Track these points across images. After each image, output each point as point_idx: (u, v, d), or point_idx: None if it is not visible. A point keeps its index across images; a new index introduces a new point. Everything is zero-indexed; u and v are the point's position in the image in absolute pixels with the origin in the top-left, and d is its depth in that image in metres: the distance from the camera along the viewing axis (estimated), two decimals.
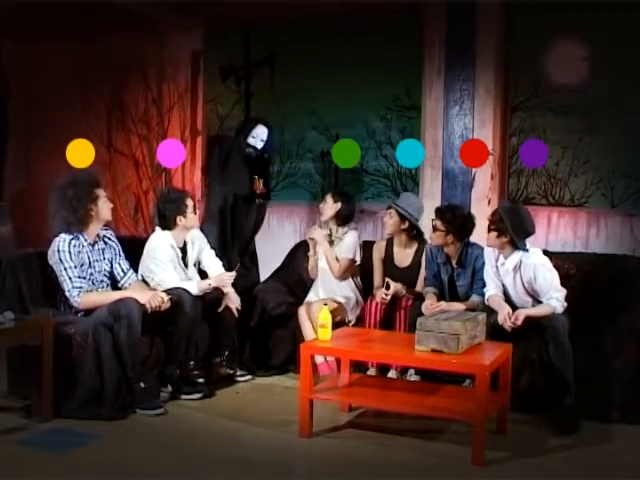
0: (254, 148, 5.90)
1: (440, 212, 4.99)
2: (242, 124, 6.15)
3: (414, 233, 5.31)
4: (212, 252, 5.38)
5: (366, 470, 3.83)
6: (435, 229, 4.96)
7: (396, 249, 5.36)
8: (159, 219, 5.13)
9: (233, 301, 5.11)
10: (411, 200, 5.37)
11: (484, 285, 4.82)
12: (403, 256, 5.34)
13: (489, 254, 4.77)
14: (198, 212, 5.27)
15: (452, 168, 5.90)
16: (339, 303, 5.30)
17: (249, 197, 5.90)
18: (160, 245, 5.04)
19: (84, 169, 4.98)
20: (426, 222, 5.24)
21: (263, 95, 6.87)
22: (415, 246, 5.32)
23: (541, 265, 4.58)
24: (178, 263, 5.09)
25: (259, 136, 5.92)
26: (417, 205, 5.34)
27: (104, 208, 4.75)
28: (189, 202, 5.12)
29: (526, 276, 4.61)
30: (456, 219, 4.92)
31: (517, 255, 4.62)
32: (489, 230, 4.65)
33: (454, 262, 5.02)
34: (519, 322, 4.47)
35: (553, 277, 4.58)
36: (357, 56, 6.41)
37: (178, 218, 5.06)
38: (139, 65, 7.29)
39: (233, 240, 5.90)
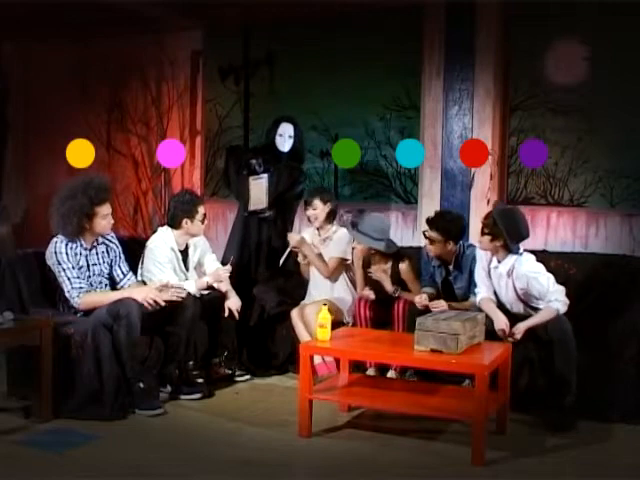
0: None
1: (433, 222, 4.87)
2: (269, 127, 5.94)
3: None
4: (214, 256, 5.37)
5: (366, 470, 3.83)
6: (432, 241, 4.86)
7: (373, 267, 5.25)
8: (167, 215, 5.15)
9: (234, 303, 5.11)
10: (373, 224, 5.17)
11: None
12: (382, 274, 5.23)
13: (481, 255, 4.71)
14: (206, 222, 5.20)
15: (451, 168, 5.88)
16: (333, 304, 5.24)
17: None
18: (159, 246, 5.03)
19: (99, 177, 4.78)
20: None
21: (262, 95, 6.86)
22: (389, 263, 5.21)
23: (533, 275, 4.49)
24: (178, 265, 5.09)
25: (285, 133, 5.79)
26: (377, 226, 5.18)
27: (100, 224, 4.68)
28: (201, 209, 5.08)
29: (518, 284, 4.55)
30: (452, 224, 4.86)
31: (511, 259, 4.55)
32: (482, 233, 4.57)
33: (451, 265, 4.98)
34: (518, 337, 4.40)
35: (549, 280, 4.50)
36: (357, 56, 6.39)
37: (185, 221, 5.04)
38: (138, 65, 7.29)
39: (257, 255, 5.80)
